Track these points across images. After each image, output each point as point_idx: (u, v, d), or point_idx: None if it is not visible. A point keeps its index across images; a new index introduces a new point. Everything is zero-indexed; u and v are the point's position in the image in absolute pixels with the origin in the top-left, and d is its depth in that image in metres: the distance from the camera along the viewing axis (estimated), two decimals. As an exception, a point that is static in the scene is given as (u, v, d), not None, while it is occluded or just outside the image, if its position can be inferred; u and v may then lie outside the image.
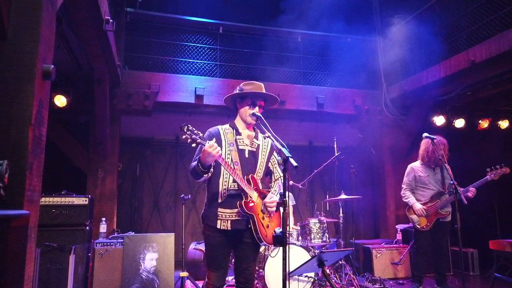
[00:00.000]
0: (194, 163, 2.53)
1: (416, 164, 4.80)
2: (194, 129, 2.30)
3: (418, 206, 4.56)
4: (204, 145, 2.28)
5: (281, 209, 2.25)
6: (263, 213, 2.61)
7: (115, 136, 6.34)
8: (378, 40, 7.26)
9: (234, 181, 2.57)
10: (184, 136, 2.26)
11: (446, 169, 4.41)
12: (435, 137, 4.43)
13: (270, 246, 4.41)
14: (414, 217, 4.61)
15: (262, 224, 2.57)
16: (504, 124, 7.35)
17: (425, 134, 4.36)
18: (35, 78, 1.96)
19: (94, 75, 5.20)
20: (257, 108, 2.70)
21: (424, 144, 4.74)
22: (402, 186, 4.84)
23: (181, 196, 4.96)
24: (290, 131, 7.97)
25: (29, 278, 1.90)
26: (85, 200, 4.27)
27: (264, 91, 2.76)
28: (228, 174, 2.56)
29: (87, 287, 4.41)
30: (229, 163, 2.59)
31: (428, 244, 4.60)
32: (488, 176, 4.37)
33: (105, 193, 6.15)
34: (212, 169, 2.53)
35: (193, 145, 2.28)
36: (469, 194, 4.38)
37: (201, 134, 2.32)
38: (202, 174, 2.49)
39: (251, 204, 2.52)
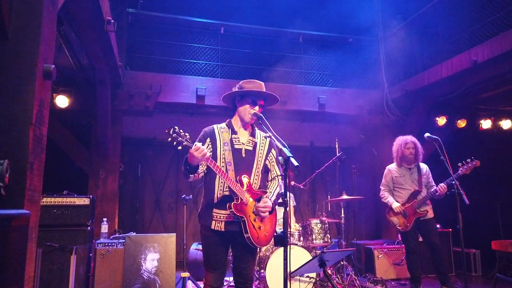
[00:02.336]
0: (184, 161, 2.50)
1: (392, 166, 4.86)
2: (181, 131, 2.26)
3: (396, 204, 4.61)
4: (191, 147, 2.25)
5: (283, 209, 2.24)
6: (255, 215, 2.56)
7: (116, 137, 6.35)
8: (380, 40, 7.25)
9: None
10: (169, 139, 2.22)
11: (420, 169, 4.55)
12: (436, 137, 4.43)
13: (271, 246, 4.41)
14: (394, 219, 4.65)
15: (254, 226, 2.52)
16: (506, 124, 7.33)
17: (427, 135, 4.35)
18: (36, 78, 1.96)
19: (96, 75, 5.21)
20: (257, 107, 2.66)
21: (394, 145, 4.82)
22: (380, 187, 4.88)
23: (183, 196, 4.97)
24: (291, 131, 7.95)
25: (30, 278, 1.90)
26: (87, 201, 4.27)
27: (264, 89, 2.73)
28: None
29: (89, 287, 4.41)
30: (223, 164, 2.57)
31: (416, 243, 4.61)
32: (459, 171, 4.35)
33: (107, 194, 6.15)
34: (199, 171, 2.51)
35: (179, 147, 2.24)
36: (439, 191, 4.36)
37: (188, 136, 2.27)
38: (189, 174, 2.48)
39: (241, 206, 2.48)
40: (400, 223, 4.58)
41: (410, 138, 4.71)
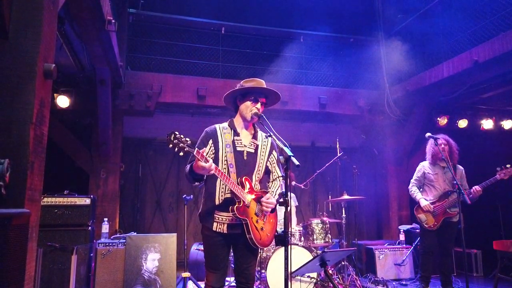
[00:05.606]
0: (188, 167, 2.48)
1: (426, 163, 4.79)
2: (181, 136, 2.20)
3: (424, 202, 4.51)
4: (193, 153, 2.22)
5: (283, 208, 2.23)
6: (257, 216, 2.56)
7: (117, 137, 6.35)
8: (381, 40, 7.24)
9: None
10: (170, 145, 2.17)
11: (449, 168, 4.37)
12: (438, 136, 4.42)
13: (272, 246, 4.41)
14: (421, 216, 4.57)
15: (256, 228, 2.52)
16: (507, 124, 7.32)
17: (428, 134, 4.34)
18: (36, 77, 1.95)
19: (97, 75, 5.20)
20: (259, 104, 2.64)
21: (428, 144, 4.75)
22: (411, 181, 4.79)
23: (183, 196, 4.96)
24: (292, 131, 7.95)
25: (30, 278, 1.90)
26: (88, 201, 4.28)
27: (265, 86, 2.72)
28: None
29: (89, 287, 4.41)
30: (224, 166, 2.57)
31: (434, 244, 4.55)
32: (498, 175, 4.30)
33: (108, 194, 6.16)
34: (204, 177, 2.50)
35: (181, 154, 2.19)
36: (473, 194, 4.31)
37: (189, 142, 2.22)
38: (194, 181, 2.49)
39: (243, 209, 2.48)
40: (428, 221, 4.51)
41: (442, 135, 4.63)
